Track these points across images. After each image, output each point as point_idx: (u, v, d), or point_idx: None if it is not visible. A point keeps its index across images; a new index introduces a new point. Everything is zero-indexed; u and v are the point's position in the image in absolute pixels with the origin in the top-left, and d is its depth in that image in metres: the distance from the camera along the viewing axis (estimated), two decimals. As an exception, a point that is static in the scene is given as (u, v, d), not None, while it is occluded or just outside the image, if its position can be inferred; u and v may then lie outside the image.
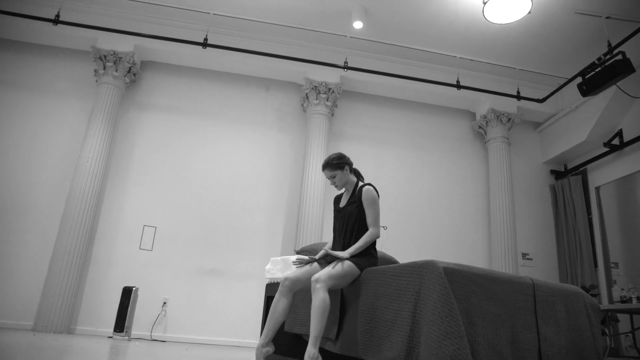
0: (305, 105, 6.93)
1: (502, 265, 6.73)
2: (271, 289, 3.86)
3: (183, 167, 6.51)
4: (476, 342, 2.27)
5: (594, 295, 6.09)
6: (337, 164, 3.15)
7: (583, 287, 6.11)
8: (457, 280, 2.29)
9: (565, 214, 7.41)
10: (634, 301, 4.85)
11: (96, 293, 5.78)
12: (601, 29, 6.00)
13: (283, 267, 3.73)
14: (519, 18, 5.40)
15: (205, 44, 6.14)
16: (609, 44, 5.65)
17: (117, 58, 6.36)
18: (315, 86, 6.80)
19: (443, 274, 2.25)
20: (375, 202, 3.04)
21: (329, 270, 2.78)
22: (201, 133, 6.71)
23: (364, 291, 2.74)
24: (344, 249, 3.00)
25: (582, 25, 6.08)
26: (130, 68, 6.48)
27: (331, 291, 2.88)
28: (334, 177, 3.16)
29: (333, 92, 6.86)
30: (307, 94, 6.85)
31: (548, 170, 7.97)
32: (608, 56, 5.56)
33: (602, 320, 5.91)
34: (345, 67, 6.46)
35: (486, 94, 7.11)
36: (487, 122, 7.49)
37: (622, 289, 5.46)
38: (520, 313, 2.46)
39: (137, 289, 5.26)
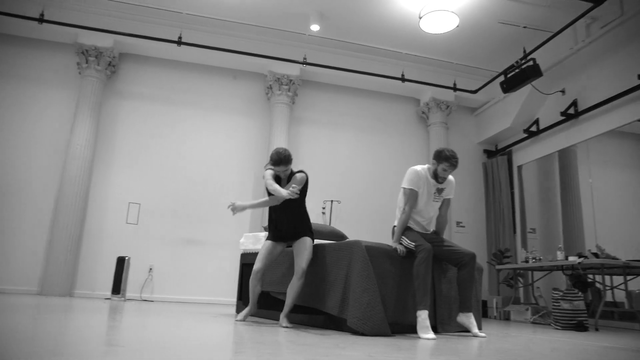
0: (269, 95, 7.81)
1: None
2: (244, 258, 4.90)
3: (162, 149, 7.34)
4: (387, 296, 3.39)
5: (507, 257, 7.43)
6: (290, 159, 3.73)
7: (499, 251, 7.45)
8: (374, 254, 3.39)
9: (493, 188, 8.71)
10: (530, 262, 6.19)
11: (91, 261, 6.70)
12: (520, 36, 7.10)
13: (254, 240, 4.75)
14: (449, 30, 6.42)
15: (179, 42, 6.89)
16: (524, 51, 6.77)
17: (98, 53, 7.02)
18: (278, 78, 7.68)
19: (364, 249, 3.34)
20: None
21: (306, 258, 3.66)
22: (177, 119, 7.52)
23: (313, 261, 3.81)
24: (291, 224, 3.82)
25: (505, 32, 7.17)
26: (110, 61, 7.17)
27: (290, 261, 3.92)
28: (286, 170, 3.72)
29: (294, 83, 7.76)
30: (270, 85, 7.73)
31: (482, 150, 9.23)
32: (523, 61, 6.67)
33: (512, 277, 7.30)
34: (304, 62, 7.37)
35: (427, 85, 8.17)
36: (429, 108, 8.60)
37: (527, 252, 6.79)
38: (418, 274, 3.58)
39: (129, 258, 6.22)
